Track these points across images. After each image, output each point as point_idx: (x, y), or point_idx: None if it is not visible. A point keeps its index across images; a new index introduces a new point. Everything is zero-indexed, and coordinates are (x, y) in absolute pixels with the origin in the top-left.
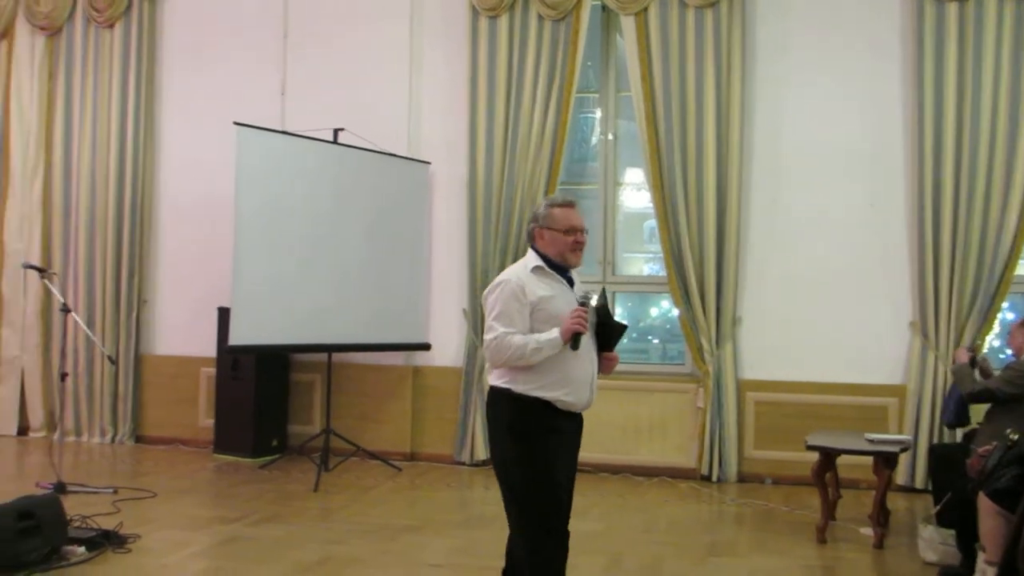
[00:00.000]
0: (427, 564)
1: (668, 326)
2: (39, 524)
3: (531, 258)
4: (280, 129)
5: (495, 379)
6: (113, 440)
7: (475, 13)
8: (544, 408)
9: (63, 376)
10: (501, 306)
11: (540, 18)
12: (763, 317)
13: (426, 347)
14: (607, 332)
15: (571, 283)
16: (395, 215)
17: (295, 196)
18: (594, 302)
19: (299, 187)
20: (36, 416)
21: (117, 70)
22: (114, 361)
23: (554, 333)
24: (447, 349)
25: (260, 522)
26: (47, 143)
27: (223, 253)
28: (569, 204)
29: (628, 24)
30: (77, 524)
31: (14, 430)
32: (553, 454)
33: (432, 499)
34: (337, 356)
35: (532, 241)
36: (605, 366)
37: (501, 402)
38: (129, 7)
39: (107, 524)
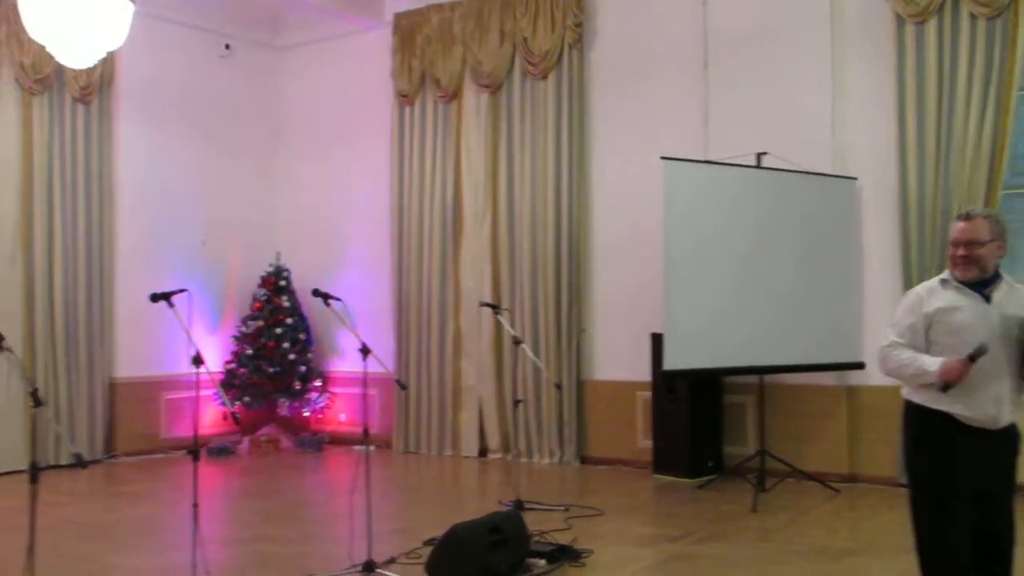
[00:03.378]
0: None
1: None
2: (506, 538)
3: (946, 271)
4: (704, 159)
5: (904, 390)
6: (560, 461)
7: (900, 21)
8: (946, 421)
9: (517, 403)
10: (899, 315)
11: (972, 17)
12: None
13: (860, 366)
14: None
15: (987, 298)
16: (823, 234)
17: (721, 223)
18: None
19: (725, 213)
20: (493, 439)
21: (551, 118)
22: (560, 387)
23: (935, 366)
24: None
25: (702, 540)
26: (493, 190)
27: (654, 281)
28: (963, 217)
29: None
30: (536, 539)
31: (475, 451)
32: (957, 470)
33: (874, 521)
34: (769, 377)
35: None
36: None
37: (907, 413)
38: (560, 58)
39: (562, 539)
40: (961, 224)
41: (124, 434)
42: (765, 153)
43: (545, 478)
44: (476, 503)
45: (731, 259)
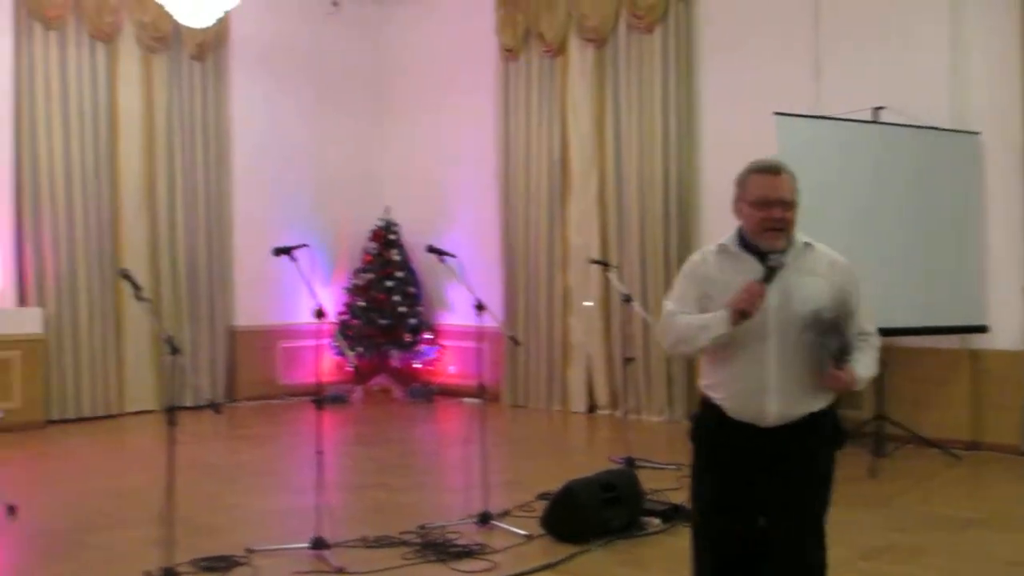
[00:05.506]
0: (1004, 561)
1: None
2: (620, 496)
3: (727, 235)
4: (816, 113)
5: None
6: (670, 419)
7: None
8: (716, 413)
9: (627, 360)
10: (677, 283)
11: None
12: None
13: (983, 329)
14: (833, 338)
15: (770, 272)
16: (941, 191)
17: (836, 180)
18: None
19: (839, 170)
20: (602, 395)
21: (658, 72)
22: None
23: (723, 311)
24: (1006, 331)
25: None
26: (600, 146)
27: None
28: (770, 170)
29: None
30: (650, 497)
31: (584, 407)
32: (719, 477)
33: (998, 491)
34: (886, 340)
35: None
36: (829, 380)
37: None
38: (666, 11)
39: (675, 498)
40: (771, 179)
41: (244, 380)
42: (882, 108)
43: (655, 436)
44: (586, 458)
45: (846, 217)
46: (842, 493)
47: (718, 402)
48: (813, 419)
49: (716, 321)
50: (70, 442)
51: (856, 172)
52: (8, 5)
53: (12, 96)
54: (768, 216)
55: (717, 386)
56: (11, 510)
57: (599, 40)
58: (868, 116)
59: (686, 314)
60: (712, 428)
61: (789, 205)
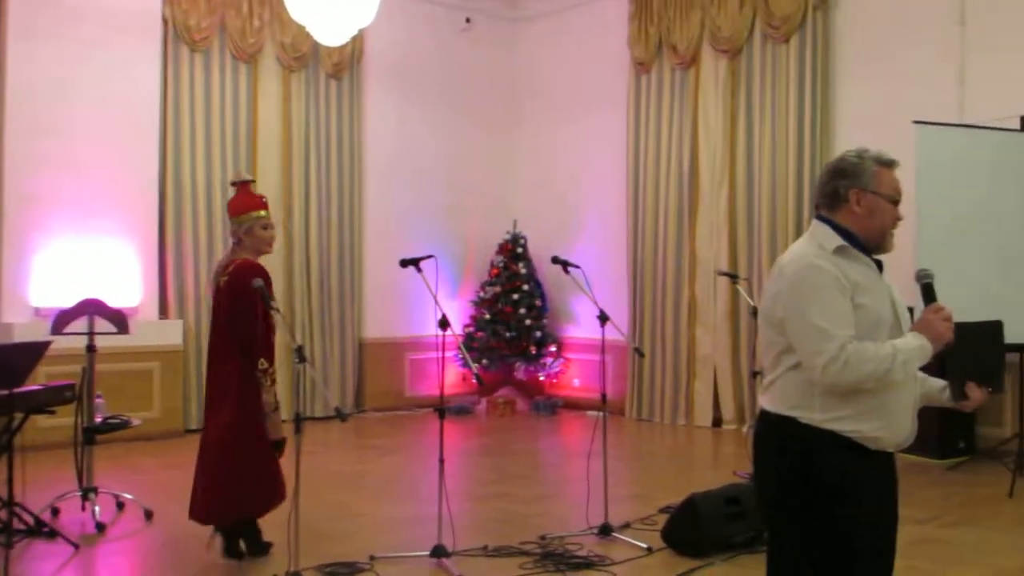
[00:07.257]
0: None
1: None
2: (744, 510)
3: (825, 234)
4: (959, 122)
5: (774, 400)
6: None
7: None
8: (842, 448)
9: (755, 374)
10: (821, 299)
11: None
12: None
13: None
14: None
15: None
16: None
17: (982, 193)
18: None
19: (985, 183)
20: (728, 409)
21: (794, 83)
22: None
23: (918, 340)
24: None
25: (952, 524)
26: (731, 157)
27: (904, 255)
28: (895, 165)
29: None
30: None
31: (709, 421)
32: (865, 515)
33: None
34: None
35: (831, 207)
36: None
37: (780, 438)
38: (804, 20)
39: None
40: (895, 173)
41: (371, 391)
42: None
43: None
44: (711, 473)
45: (992, 232)
46: (976, 512)
47: (857, 433)
48: None
49: (915, 352)
50: None
51: (1005, 184)
52: (157, 31)
53: (159, 116)
54: (898, 216)
55: (865, 414)
56: (148, 514)
57: (733, 51)
58: (1016, 125)
59: (855, 339)
60: (847, 466)
61: None
